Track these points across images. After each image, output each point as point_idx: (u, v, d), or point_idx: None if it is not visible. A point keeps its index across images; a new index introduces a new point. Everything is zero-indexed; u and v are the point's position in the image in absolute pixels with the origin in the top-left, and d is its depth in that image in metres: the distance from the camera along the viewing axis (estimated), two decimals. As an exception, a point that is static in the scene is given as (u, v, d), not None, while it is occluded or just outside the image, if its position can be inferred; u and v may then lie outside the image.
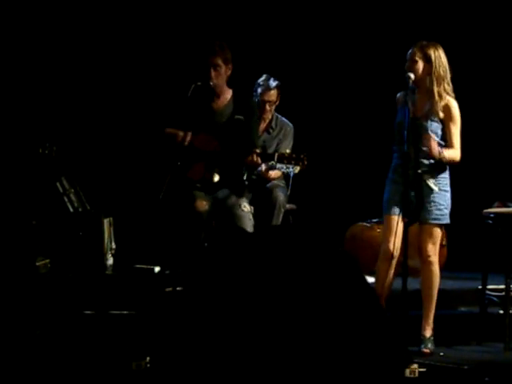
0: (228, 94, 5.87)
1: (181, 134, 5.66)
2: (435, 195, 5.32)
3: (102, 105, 7.57)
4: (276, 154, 5.69)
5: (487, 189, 6.86)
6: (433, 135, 5.28)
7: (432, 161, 5.30)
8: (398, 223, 5.25)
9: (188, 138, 5.63)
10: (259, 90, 6.55)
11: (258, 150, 5.69)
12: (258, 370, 2.66)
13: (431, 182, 5.30)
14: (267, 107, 6.57)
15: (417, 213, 5.31)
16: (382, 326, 2.69)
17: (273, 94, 6.55)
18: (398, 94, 5.47)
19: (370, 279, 6.45)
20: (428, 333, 5.34)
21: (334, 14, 7.79)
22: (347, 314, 2.71)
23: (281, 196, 6.27)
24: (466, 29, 7.57)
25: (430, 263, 5.33)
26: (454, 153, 5.32)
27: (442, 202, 5.34)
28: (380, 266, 5.39)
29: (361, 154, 7.65)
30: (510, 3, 7.47)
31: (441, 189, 5.34)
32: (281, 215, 6.25)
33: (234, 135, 5.70)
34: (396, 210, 5.31)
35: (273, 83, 6.53)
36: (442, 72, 5.29)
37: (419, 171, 5.25)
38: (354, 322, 2.70)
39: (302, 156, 5.62)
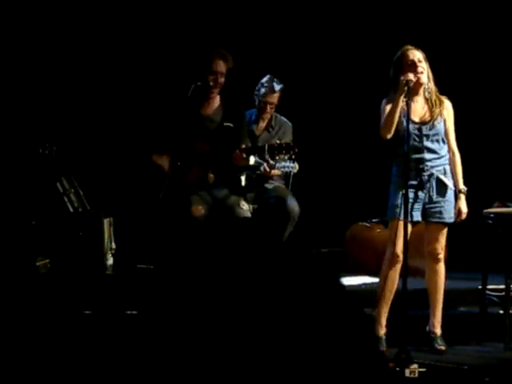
0: (217, 99, 5.91)
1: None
2: (449, 193, 5.27)
3: (102, 105, 7.57)
4: (266, 146, 5.66)
5: (487, 189, 6.85)
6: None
7: (436, 156, 5.27)
8: (405, 226, 5.00)
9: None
10: (262, 91, 6.52)
11: (243, 146, 5.68)
12: (240, 367, 2.66)
13: (444, 179, 5.23)
14: (268, 109, 6.55)
15: (428, 212, 5.28)
16: (355, 327, 2.69)
17: (276, 97, 6.53)
18: (384, 101, 5.34)
19: (368, 279, 6.46)
20: (439, 330, 5.35)
21: (334, 15, 7.80)
22: (319, 314, 2.71)
23: (296, 207, 6.27)
24: (465, 28, 7.58)
25: (439, 260, 5.31)
26: (458, 161, 5.29)
27: (453, 201, 5.30)
28: (389, 272, 5.21)
29: (361, 154, 7.65)
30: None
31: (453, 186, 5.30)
32: (293, 225, 6.26)
33: (224, 141, 5.73)
34: (402, 213, 5.17)
35: (277, 86, 6.49)
36: (431, 73, 5.28)
37: (433, 171, 5.23)
38: (326, 321, 2.70)
39: (291, 144, 5.61)
